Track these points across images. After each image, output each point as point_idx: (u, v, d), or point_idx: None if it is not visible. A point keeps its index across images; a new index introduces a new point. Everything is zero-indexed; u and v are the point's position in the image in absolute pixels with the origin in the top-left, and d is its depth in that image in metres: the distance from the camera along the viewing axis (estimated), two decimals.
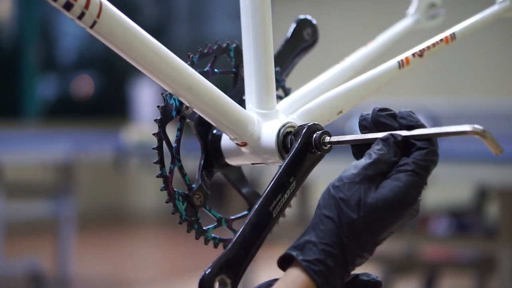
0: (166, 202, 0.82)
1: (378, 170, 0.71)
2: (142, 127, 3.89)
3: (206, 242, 0.84)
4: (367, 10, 5.76)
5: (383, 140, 0.72)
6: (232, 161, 0.86)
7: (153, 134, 0.82)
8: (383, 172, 0.71)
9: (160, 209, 6.91)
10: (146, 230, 6.72)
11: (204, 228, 0.84)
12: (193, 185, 0.84)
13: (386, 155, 0.72)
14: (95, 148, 3.79)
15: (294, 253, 0.70)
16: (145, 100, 4.36)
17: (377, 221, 0.69)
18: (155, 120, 0.82)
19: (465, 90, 5.34)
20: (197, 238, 0.83)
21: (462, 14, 1.15)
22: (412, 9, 1.05)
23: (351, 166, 0.72)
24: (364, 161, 0.72)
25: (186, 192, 0.83)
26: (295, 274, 0.69)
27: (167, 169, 0.81)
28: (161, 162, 0.81)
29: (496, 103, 3.85)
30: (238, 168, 0.89)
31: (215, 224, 0.86)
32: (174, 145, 0.83)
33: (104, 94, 7.70)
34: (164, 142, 0.81)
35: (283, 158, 0.81)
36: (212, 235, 0.84)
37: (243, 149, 0.83)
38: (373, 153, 0.72)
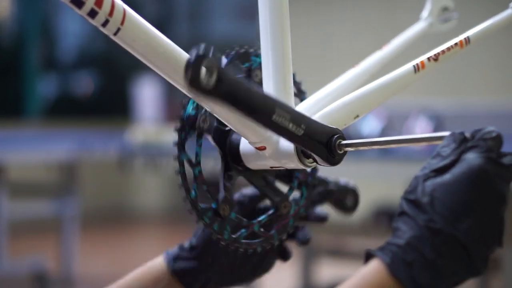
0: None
1: (440, 163, 0.71)
2: (147, 127, 3.88)
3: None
4: (374, 10, 5.76)
5: (450, 135, 0.73)
6: (251, 165, 0.86)
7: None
8: (447, 166, 0.71)
9: (164, 208, 6.90)
10: (149, 230, 6.71)
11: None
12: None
13: (447, 149, 0.72)
14: (99, 147, 3.78)
15: (371, 250, 0.70)
16: (148, 99, 4.35)
17: (443, 194, 0.69)
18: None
19: (469, 90, 5.34)
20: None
21: (474, 18, 1.16)
22: (425, 13, 1.06)
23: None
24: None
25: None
26: (370, 264, 0.69)
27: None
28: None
29: (500, 103, 3.85)
30: (260, 173, 0.89)
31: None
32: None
33: (106, 92, 7.69)
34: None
35: (301, 162, 0.81)
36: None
37: (262, 153, 0.83)
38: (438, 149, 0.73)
